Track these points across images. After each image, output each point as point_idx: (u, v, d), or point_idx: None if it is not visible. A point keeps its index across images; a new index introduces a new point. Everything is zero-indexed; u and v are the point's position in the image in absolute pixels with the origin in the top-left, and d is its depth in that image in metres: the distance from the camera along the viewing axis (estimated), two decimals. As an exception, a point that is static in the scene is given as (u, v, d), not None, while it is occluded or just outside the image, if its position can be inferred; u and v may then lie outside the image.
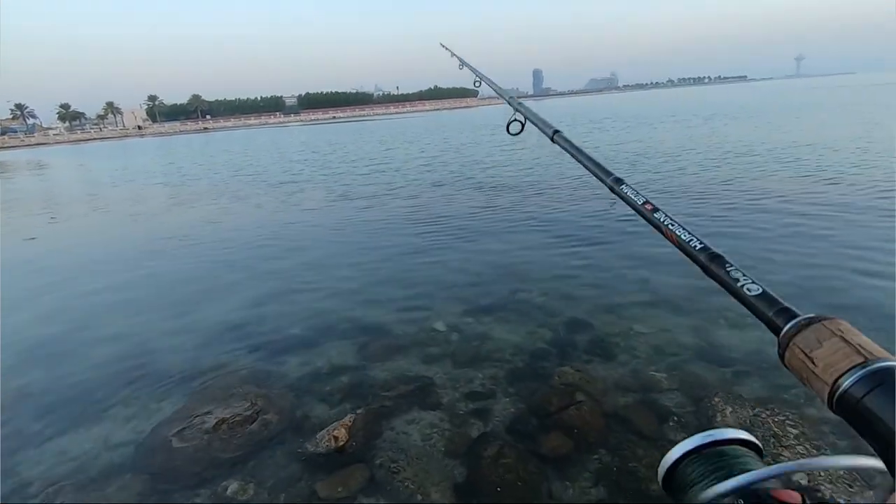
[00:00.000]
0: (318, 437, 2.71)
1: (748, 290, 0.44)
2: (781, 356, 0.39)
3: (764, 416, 2.54)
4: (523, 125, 1.16)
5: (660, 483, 0.46)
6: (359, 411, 2.91)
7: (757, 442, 0.45)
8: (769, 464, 0.40)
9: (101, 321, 4.67)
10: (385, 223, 7.63)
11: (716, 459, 0.42)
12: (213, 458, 2.67)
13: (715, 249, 0.50)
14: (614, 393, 2.94)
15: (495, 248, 5.89)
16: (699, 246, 0.52)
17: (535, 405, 2.88)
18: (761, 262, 4.63)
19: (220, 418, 2.95)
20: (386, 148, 22.25)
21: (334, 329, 4.06)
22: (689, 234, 0.54)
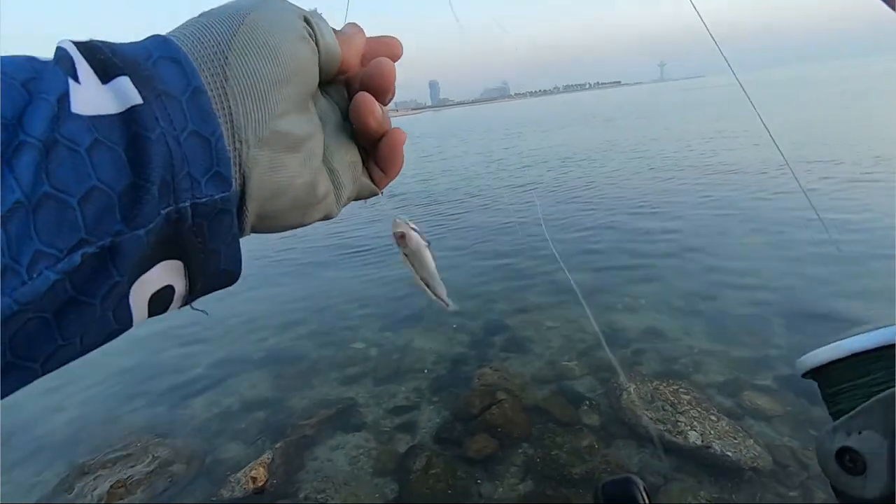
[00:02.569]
0: (233, 480, 2.51)
1: None
2: None
3: (662, 388, 2.80)
4: None
5: (803, 373, 0.39)
6: (277, 446, 2.74)
7: None
8: None
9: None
10: (295, 243, 7.33)
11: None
12: (111, 527, 2.37)
13: None
14: (532, 387, 3.07)
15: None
16: None
17: (459, 410, 2.92)
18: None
19: (116, 481, 2.62)
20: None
21: (245, 361, 3.80)
22: None
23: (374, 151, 0.32)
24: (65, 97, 0.19)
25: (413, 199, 9.67)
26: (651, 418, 2.60)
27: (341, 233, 7.65)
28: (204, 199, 0.22)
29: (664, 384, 2.84)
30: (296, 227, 0.30)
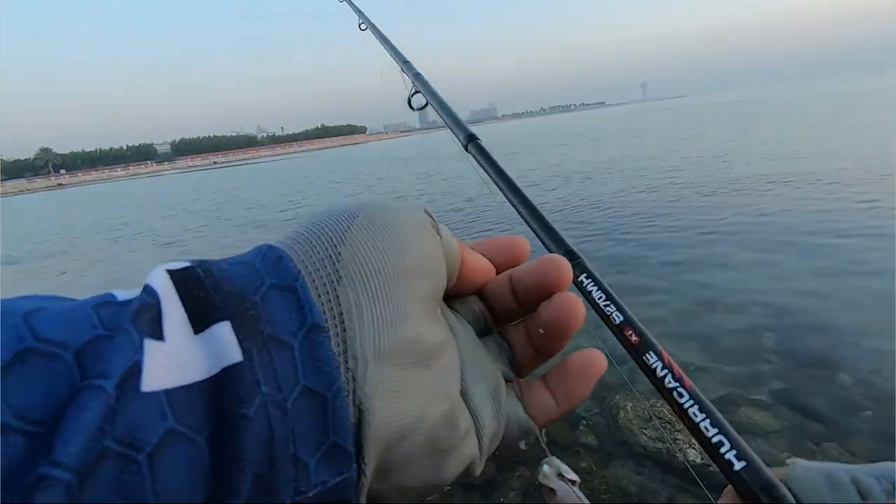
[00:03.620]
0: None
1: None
2: None
3: (658, 406, 2.79)
4: (427, 104, 0.90)
5: None
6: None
7: None
8: None
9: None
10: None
11: None
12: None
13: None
14: (528, 408, 3.04)
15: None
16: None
17: (455, 434, 2.87)
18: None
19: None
20: (285, 191, 21.40)
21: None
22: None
23: (552, 372, 0.26)
24: (133, 373, 0.13)
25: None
26: (649, 437, 2.58)
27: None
28: (313, 492, 0.16)
29: (661, 402, 2.81)
30: (429, 490, 0.21)
